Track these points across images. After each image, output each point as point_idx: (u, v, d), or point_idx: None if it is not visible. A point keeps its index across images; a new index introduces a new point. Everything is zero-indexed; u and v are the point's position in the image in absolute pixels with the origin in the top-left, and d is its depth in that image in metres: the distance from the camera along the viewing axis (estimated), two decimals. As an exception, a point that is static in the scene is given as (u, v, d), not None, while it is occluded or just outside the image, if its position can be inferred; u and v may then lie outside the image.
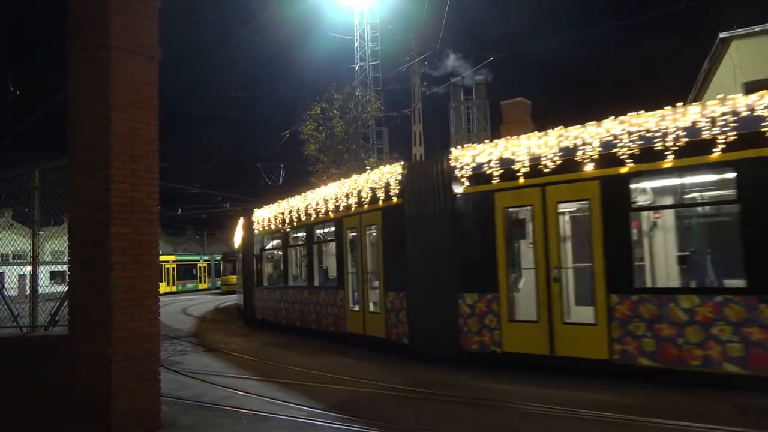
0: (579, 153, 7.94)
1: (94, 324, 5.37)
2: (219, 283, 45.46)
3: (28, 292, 6.83)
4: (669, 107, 7.34)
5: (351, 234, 11.91)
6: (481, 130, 70.97)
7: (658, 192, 8.11)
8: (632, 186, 7.55)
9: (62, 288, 6.16)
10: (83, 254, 5.51)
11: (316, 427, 6.02)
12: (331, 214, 12.46)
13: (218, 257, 48.94)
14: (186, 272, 46.96)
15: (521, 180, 8.52)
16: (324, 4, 26.12)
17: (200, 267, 49.34)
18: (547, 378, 7.73)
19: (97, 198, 5.45)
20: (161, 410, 5.97)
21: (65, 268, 5.74)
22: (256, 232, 17.35)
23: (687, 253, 8.18)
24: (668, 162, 7.10)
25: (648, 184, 7.89)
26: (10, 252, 7.83)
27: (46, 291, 6.93)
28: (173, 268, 45.04)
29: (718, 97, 7.02)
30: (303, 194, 14.23)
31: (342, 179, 12.36)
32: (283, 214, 15.06)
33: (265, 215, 16.49)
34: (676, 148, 7.03)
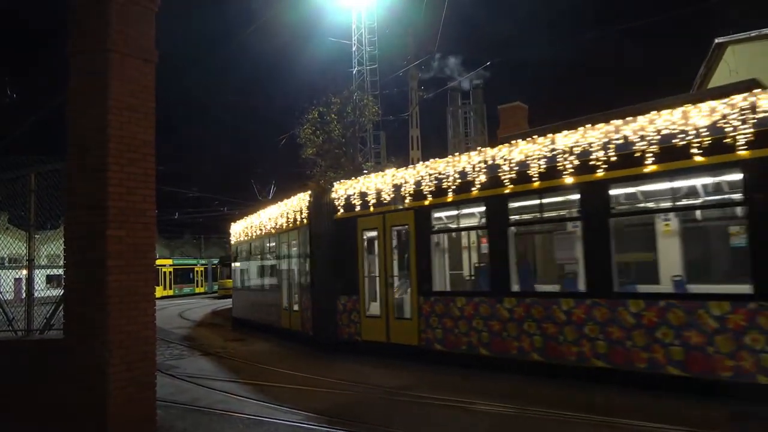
0: (402, 189, 10.60)
1: (89, 327, 5.35)
2: (216, 287, 45.36)
3: (24, 295, 6.80)
4: (451, 156, 10.04)
5: (284, 246, 14.81)
6: (478, 134, 71.13)
7: (449, 219, 10.64)
8: (433, 214, 10.18)
9: (58, 292, 6.14)
10: (79, 257, 5.50)
11: (311, 431, 6.01)
12: (272, 230, 15.62)
13: (215, 261, 48.86)
14: (183, 276, 46.88)
15: (371, 209, 11.28)
16: (322, 9, 26.21)
17: (197, 271, 49.25)
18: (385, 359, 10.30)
19: (93, 201, 5.44)
20: (157, 414, 5.95)
21: (61, 271, 5.72)
22: (232, 241, 21.36)
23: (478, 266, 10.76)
24: (451, 197, 9.71)
25: (442, 213, 10.44)
26: (5, 255, 7.79)
27: (43, 295, 6.90)
28: (170, 271, 44.96)
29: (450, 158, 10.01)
30: (257, 213, 17.57)
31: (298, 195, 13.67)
32: (247, 227, 18.73)
33: (236, 228, 20.41)
34: (455, 187, 9.66)
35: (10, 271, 8.05)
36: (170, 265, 45.57)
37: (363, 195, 11.45)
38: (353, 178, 12.70)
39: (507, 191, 8.82)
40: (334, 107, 23.77)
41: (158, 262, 41.51)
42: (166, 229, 57.48)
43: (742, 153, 6.47)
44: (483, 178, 9.17)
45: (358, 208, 11.55)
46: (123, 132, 5.57)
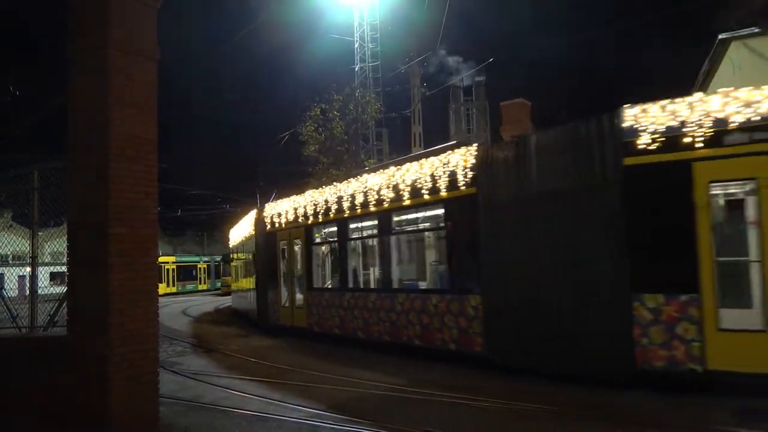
0: (299, 211, 13.88)
1: (92, 325, 5.37)
2: (219, 284, 45.44)
3: (28, 292, 6.83)
4: (323, 187, 13.37)
5: (248, 253, 18.98)
6: (480, 131, 70.98)
7: (329, 234, 13.24)
8: (314, 231, 13.49)
9: (62, 289, 6.15)
10: (82, 255, 5.51)
11: (314, 427, 6.02)
12: (244, 238, 19.67)
13: (218, 258, 48.92)
14: (186, 273, 46.96)
15: (283, 225, 14.78)
16: (324, 6, 26.16)
17: (200, 268, 49.33)
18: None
19: (95, 199, 5.45)
20: (160, 411, 5.97)
21: (65, 269, 5.74)
22: (230, 245, 25.18)
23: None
24: (324, 219, 12.84)
25: (321, 230, 13.42)
26: (9, 253, 7.82)
27: (46, 292, 6.92)
28: (173, 269, 45.04)
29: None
30: (239, 223, 21.43)
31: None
32: (235, 234, 22.76)
33: (231, 234, 24.22)
34: (321, 212, 12.91)
35: (14, 268, 8.10)
36: (173, 263, 45.65)
37: (279, 215, 14.99)
38: (351, 176, 13.13)
39: (346, 216, 11.99)
40: (336, 104, 23.75)
41: (161, 259, 41.69)
42: (169, 226, 57.62)
43: (444, 194, 9.53)
44: (335, 206, 12.35)
45: (276, 225, 15.17)
46: (125, 130, 5.57)
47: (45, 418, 5.60)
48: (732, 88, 6.85)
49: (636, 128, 7.13)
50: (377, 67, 26.00)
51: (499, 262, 8.50)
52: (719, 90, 6.95)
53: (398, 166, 10.77)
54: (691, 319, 6.65)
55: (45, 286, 7.00)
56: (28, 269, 6.91)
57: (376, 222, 11.32)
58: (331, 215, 12.49)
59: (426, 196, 9.86)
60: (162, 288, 37.65)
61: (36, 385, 5.68)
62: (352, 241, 12.35)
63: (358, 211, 11.62)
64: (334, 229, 12.64)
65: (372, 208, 11.20)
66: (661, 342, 6.81)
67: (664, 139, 6.95)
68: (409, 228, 11.27)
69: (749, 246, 6.83)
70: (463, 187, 9.19)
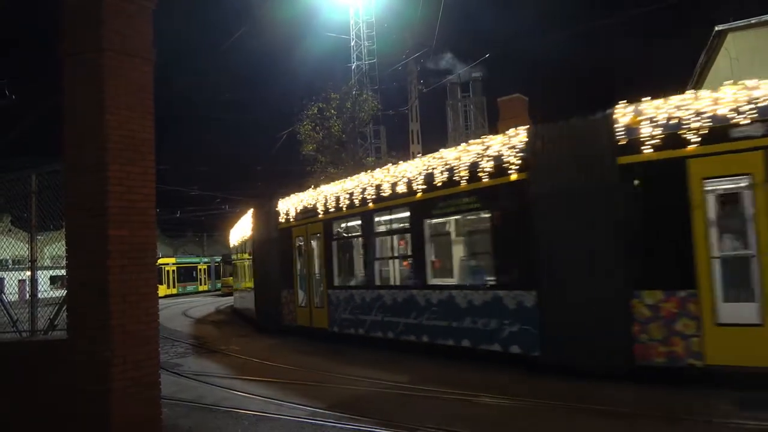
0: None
1: (92, 327, 5.35)
2: (219, 285, 45.42)
3: (28, 296, 6.81)
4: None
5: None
6: (478, 127, 70.98)
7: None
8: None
9: (62, 292, 6.13)
10: (80, 258, 5.49)
11: (317, 426, 6.02)
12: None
13: (218, 259, 48.88)
14: (186, 274, 46.91)
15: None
16: (319, 3, 26.09)
17: (200, 269, 49.28)
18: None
19: (93, 201, 5.43)
20: (162, 413, 5.96)
21: (64, 272, 5.72)
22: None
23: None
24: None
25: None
26: (9, 257, 7.80)
27: (46, 296, 6.90)
28: (173, 270, 44.99)
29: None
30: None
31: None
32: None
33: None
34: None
35: (14, 272, 8.07)
36: (173, 264, 45.59)
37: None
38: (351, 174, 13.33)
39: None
40: (333, 103, 23.71)
41: (161, 261, 41.66)
42: (168, 227, 57.57)
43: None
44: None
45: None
46: (121, 131, 5.55)
47: (47, 422, 5.58)
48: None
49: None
50: (374, 64, 25.99)
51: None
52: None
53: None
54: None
55: (45, 289, 6.98)
56: (28, 273, 6.88)
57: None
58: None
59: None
60: (162, 290, 37.58)
61: (37, 389, 5.67)
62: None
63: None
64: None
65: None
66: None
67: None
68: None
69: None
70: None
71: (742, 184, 6.80)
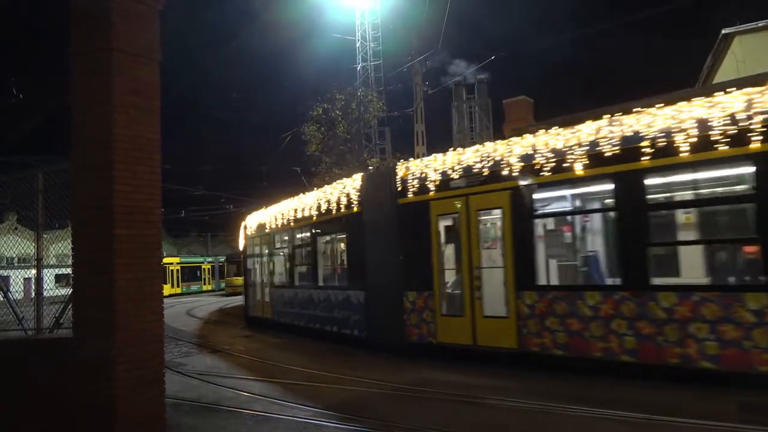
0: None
1: (97, 326, 5.38)
2: (223, 285, 45.51)
3: (33, 295, 6.84)
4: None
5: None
6: (483, 129, 70.85)
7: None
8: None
9: (67, 291, 6.16)
10: (86, 256, 5.52)
11: (319, 427, 6.03)
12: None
13: (222, 259, 48.98)
14: (190, 274, 47.02)
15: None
16: (325, 5, 26.15)
17: (204, 269, 49.39)
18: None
19: (99, 200, 5.46)
20: (166, 412, 5.98)
21: (70, 271, 5.75)
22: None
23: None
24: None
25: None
26: (15, 255, 7.85)
27: (52, 294, 6.94)
28: (177, 270, 45.11)
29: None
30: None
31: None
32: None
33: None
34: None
35: (20, 270, 8.12)
36: (177, 263, 45.72)
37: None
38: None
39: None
40: (339, 104, 23.74)
41: (165, 260, 41.73)
42: (173, 227, 57.82)
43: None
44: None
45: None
46: (128, 131, 5.58)
47: (52, 420, 5.61)
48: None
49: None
50: (379, 66, 26.01)
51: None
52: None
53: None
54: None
55: (50, 288, 7.02)
56: (34, 272, 6.92)
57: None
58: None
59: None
60: (166, 289, 37.69)
61: (43, 387, 5.70)
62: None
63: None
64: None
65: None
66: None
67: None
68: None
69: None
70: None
71: (455, 219, 9.73)
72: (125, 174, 5.51)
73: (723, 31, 17.64)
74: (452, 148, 10.20)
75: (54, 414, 5.60)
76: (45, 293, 6.78)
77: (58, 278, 7.84)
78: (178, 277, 44.94)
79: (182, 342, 14.44)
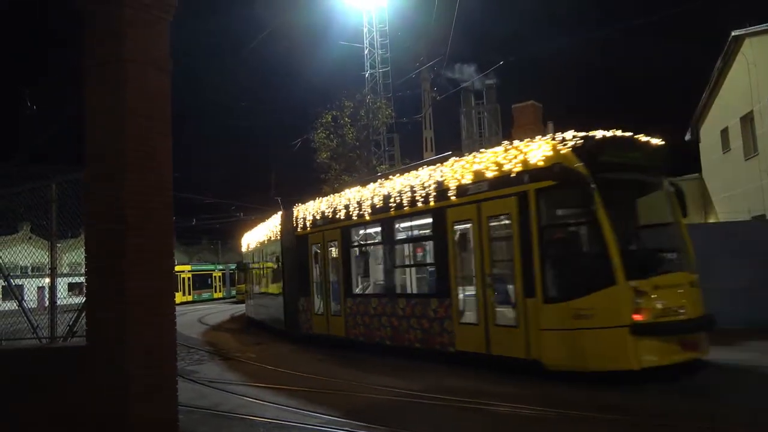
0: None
1: (110, 334, 5.41)
2: (234, 292, 45.63)
3: (47, 303, 6.90)
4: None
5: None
6: (492, 134, 70.68)
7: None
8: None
9: (80, 299, 6.21)
10: (99, 265, 5.56)
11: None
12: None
13: (233, 266, 49.12)
14: (201, 282, 47.20)
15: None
16: (333, 13, 26.28)
17: (215, 276, 49.56)
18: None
19: (112, 209, 5.50)
20: (178, 420, 6.00)
21: (83, 279, 5.79)
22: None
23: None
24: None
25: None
26: (29, 265, 7.93)
27: (65, 302, 7.00)
28: (189, 277, 45.29)
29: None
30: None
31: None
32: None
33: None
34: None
35: (34, 279, 8.20)
36: (189, 271, 45.91)
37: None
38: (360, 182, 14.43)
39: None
40: (347, 111, 23.78)
41: (177, 268, 41.69)
42: (184, 235, 58.08)
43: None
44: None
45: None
46: (140, 140, 5.63)
47: (65, 428, 5.64)
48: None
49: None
50: (387, 72, 26.02)
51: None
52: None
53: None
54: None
55: (64, 296, 7.07)
56: (47, 280, 6.98)
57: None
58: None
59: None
60: (178, 297, 37.73)
61: (56, 395, 5.73)
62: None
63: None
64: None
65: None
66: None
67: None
68: None
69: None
70: None
71: (318, 248, 14.09)
72: (137, 183, 5.56)
73: (733, 33, 17.54)
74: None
75: (67, 421, 5.62)
76: (58, 302, 6.83)
77: (71, 287, 7.90)
78: (189, 285, 45.11)
79: (194, 349, 14.50)
